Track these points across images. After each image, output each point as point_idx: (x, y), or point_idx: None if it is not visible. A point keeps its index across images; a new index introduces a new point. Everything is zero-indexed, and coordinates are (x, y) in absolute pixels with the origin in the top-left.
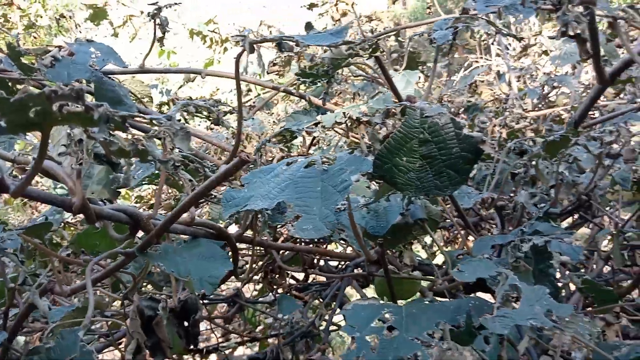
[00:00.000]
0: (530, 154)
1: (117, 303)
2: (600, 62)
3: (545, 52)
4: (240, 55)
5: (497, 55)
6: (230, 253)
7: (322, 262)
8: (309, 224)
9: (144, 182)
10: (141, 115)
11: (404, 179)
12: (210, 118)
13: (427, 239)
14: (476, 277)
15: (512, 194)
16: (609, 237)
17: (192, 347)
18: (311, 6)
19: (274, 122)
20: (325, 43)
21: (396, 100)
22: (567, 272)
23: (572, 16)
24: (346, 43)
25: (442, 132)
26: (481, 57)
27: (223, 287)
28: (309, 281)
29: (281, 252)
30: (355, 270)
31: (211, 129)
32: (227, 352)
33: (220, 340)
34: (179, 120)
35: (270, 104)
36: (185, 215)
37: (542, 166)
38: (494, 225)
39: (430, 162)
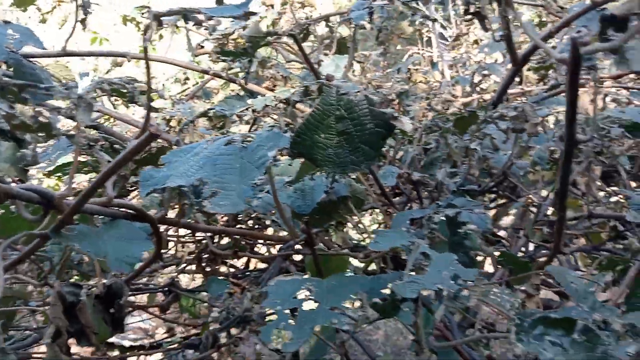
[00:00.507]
0: (442, 129)
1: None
2: (512, 45)
3: (477, 42)
4: (147, 29)
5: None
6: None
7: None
8: (226, 200)
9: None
10: (43, 90)
11: (323, 155)
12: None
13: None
14: (390, 246)
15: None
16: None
17: (118, 332)
18: None
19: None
20: (228, 14)
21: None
22: (488, 246)
23: None
24: (248, 14)
25: (357, 108)
26: (422, 48)
27: (160, 277)
28: (251, 268)
29: (218, 237)
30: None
31: (127, 107)
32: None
33: (165, 335)
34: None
35: (210, 94)
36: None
37: (452, 141)
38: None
39: (346, 139)
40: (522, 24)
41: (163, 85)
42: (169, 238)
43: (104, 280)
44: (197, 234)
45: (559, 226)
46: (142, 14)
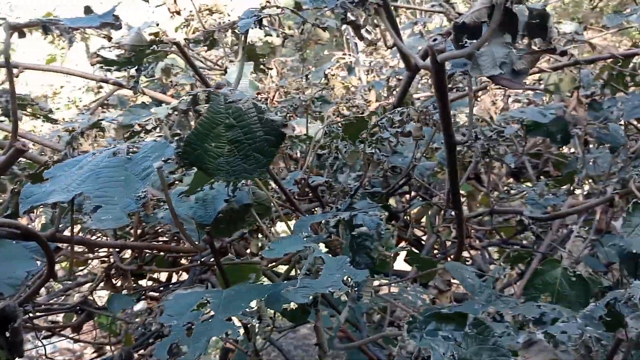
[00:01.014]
0: (332, 135)
1: None
2: (403, 52)
3: (390, 47)
4: (7, 39)
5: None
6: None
7: None
8: (108, 214)
9: None
10: None
11: (214, 164)
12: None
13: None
14: (284, 253)
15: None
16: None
17: (16, 356)
18: None
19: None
20: (87, 25)
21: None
22: (399, 246)
23: (342, 3)
24: (105, 25)
25: (246, 116)
26: (345, 54)
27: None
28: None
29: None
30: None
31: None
32: None
33: (94, 355)
34: None
35: (125, 102)
36: None
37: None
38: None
39: (237, 147)
40: (391, 33)
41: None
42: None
43: None
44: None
45: (458, 223)
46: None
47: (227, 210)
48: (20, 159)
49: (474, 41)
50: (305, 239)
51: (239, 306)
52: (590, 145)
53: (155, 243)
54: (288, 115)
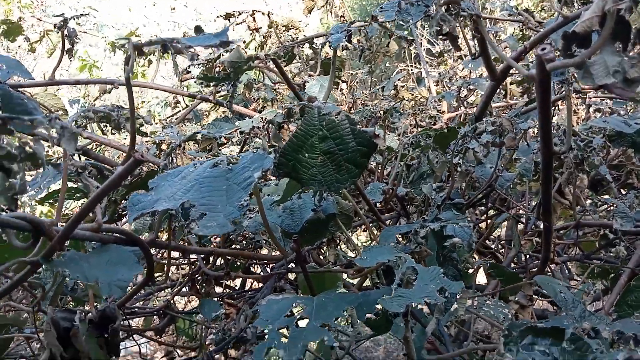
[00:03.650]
0: (422, 146)
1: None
2: (490, 61)
3: (461, 57)
4: (128, 58)
5: (427, 62)
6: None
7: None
8: (213, 221)
9: (67, 196)
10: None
11: (308, 175)
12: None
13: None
14: (376, 262)
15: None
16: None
17: (113, 356)
18: (227, 16)
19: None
20: (205, 44)
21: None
22: (479, 259)
23: (439, 16)
24: (223, 44)
25: (339, 128)
26: (410, 65)
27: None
28: (247, 288)
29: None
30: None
31: (113, 133)
32: None
33: (163, 359)
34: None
35: (200, 116)
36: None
37: (433, 157)
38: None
39: (330, 157)
40: (491, 43)
41: (149, 110)
42: (164, 261)
43: (98, 305)
44: (192, 256)
45: (546, 236)
46: (122, 45)
47: (313, 219)
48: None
49: (584, 50)
50: (394, 249)
51: (332, 313)
52: None
53: (238, 250)
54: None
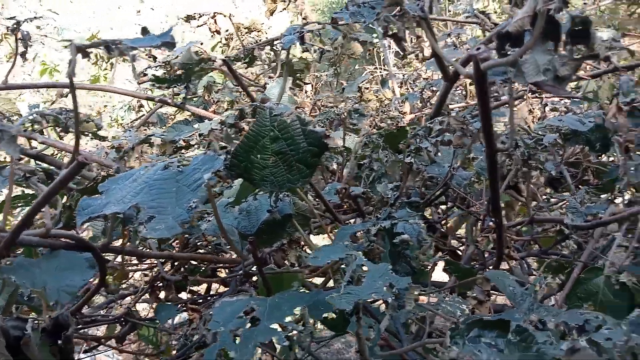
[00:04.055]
0: (373, 145)
1: None
2: (442, 61)
3: (425, 59)
4: (71, 60)
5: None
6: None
7: None
8: (162, 224)
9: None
10: None
11: (260, 175)
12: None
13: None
14: (327, 260)
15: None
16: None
17: None
18: (188, 18)
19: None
20: (147, 45)
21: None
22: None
23: (383, 17)
24: (165, 45)
25: (290, 129)
26: (377, 67)
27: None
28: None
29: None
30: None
31: (60, 137)
32: None
33: None
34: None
35: (165, 120)
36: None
37: (383, 156)
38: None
39: (281, 158)
40: (432, 43)
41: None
42: (129, 267)
43: (50, 313)
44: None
45: (498, 233)
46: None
47: (269, 220)
48: None
49: (517, 49)
50: (346, 247)
51: (284, 313)
52: (631, 153)
53: (199, 254)
54: (329, 125)
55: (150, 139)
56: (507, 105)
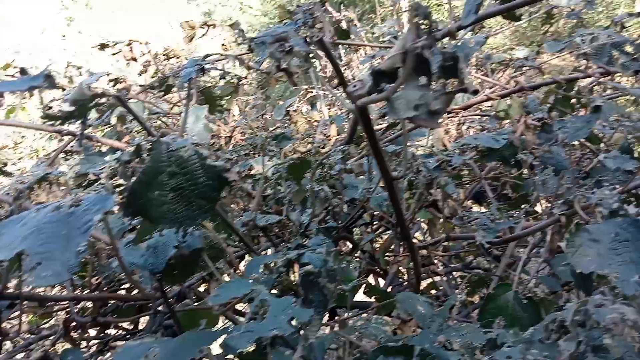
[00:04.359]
0: (277, 175)
1: None
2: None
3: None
4: None
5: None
6: None
7: None
8: (49, 270)
9: None
10: None
11: (158, 213)
12: None
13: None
14: (229, 297)
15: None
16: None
17: None
18: (102, 47)
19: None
20: (17, 89)
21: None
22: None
23: (269, 52)
24: (33, 89)
25: (188, 164)
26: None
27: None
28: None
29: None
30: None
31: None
32: None
33: None
34: None
35: (89, 148)
36: None
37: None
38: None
39: (180, 194)
40: (317, 78)
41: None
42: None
43: None
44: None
45: (411, 254)
46: (12, 75)
47: (178, 256)
48: None
49: (390, 86)
50: (253, 281)
51: (186, 355)
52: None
53: (108, 293)
54: (251, 152)
55: (48, 177)
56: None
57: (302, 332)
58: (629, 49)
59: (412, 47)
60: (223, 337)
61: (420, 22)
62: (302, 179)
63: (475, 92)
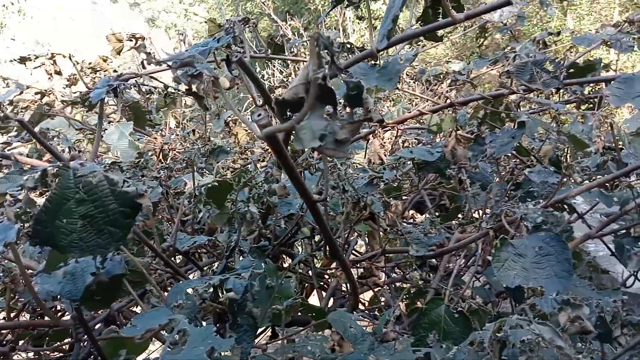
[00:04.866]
0: (195, 199)
1: None
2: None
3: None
4: None
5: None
6: None
7: None
8: None
9: None
10: None
11: (67, 241)
12: None
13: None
14: (146, 328)
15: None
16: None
17: None
18: (22, 60)
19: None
20: None
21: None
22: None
23: (175, 77)
24: None
25: (97, 190)
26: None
27: None
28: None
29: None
30: None
31: None
32: None
33: None
34: None
35: (17, 164)
36: None
37: (205, 210)
38: None
39: (90, 221)
40: (228, 103)
41: None
42: None
43: None
44: None
45: (345, 271)
46: None
47: (97, 282)
48: None
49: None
50: (173, 308)
51: None
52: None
53: (27, 321)
54: (187, 166)
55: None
56: (364, 138)
57: None
58: (549, 67)
59: (314, 77)
60: None
61: (322, 51)
62: (225, 202)
63: (381, 122)
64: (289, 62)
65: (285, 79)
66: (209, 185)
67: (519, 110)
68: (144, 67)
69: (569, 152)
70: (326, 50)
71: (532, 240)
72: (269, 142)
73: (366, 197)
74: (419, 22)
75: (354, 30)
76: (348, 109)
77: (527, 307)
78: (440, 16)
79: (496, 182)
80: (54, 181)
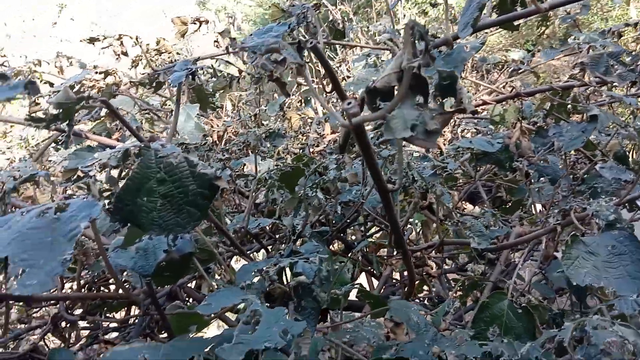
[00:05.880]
0: (269, 184)
1: None
2: (343, 94)
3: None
4: None
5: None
6: None
7: None
8: (34, 279)
9: None
10: None
11: (147, 219)
12: None
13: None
14: (220, 307)
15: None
16: None
17: None
18: (91, 40)
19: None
20: None
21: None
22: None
23: (260, 64)
24: (9, 99)
25: (178, 171)
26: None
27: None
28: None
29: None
30: None
31: None
32: None
33: None
34: None
35: (82, 140)
36: None
37: (278, 195)
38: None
39: (170, 201)
40: (313, 91)
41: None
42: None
43: None
44: None
45: (405, 261)
46: None
47: (167, 260)
48: None
49: (386, 104)
50: (245, 289)
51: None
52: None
53: (97, 293)
54: (245, 149)
55: (35, 177)
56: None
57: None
58: (626, 59)
59: (409, 65)
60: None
61: (416, 40)
62: (295, 187)
63: (475, 113)
64: (337, 48)
65: (337, 66)
66: (282, 171)
67: (588, 103)
68: (227, 53)
69: (637, 147)
70: (420, 39)
71: (604, 239)
72: (355, 131)
73: (435, 187)
74: (495, 10)
75: (404, 15)
76: (438, 99)
77: (605, 308)
78: (519, 4)
79: (564, 176)
80: (134, 161)
